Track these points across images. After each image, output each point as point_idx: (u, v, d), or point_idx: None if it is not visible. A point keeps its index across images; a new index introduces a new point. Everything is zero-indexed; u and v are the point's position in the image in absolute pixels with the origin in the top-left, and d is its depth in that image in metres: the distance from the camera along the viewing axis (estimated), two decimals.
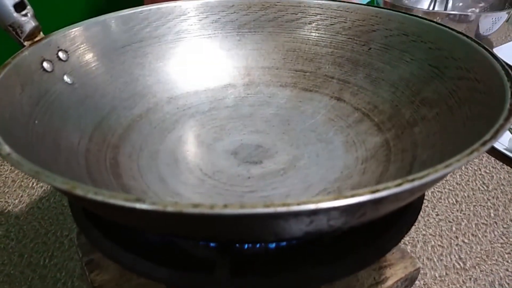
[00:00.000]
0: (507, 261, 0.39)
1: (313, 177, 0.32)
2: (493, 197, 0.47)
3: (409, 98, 0.35)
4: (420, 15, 0.37)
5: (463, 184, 0.49)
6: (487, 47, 0.30)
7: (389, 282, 0.32)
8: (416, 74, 0.36)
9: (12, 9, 0.31)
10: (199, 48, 0.43)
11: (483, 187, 0.49)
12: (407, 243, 0.42)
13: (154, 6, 0.41)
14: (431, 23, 0.35)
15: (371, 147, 0.34)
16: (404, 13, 0.38)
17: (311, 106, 0.40)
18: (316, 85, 0.42)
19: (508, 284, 0.38)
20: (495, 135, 0.20)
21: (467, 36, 0.32)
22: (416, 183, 0.18)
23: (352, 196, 0.17)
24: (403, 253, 0.35)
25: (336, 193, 0.30)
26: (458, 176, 0.50)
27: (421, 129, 0.32)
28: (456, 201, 0.47)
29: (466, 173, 0.50)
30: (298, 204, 0.16)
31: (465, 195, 0.47)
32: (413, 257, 0.35)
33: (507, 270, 0.39)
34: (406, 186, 0.17)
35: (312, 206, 0.16)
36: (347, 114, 0.38)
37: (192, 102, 0.40)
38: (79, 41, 0.36)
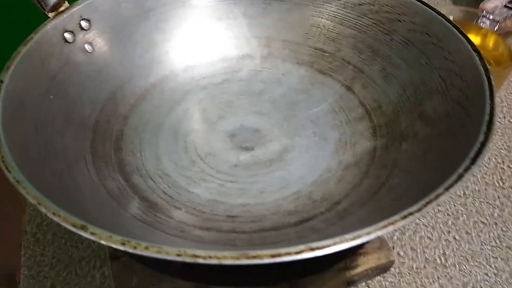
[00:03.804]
0: (490, 266, 0.39)
1: (294, 175, 0.34)
2: (504, 196, 0.44)
3: (412, 106, 0.34)
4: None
5: (479, 177, 0.46)
6: (492, 82, 0.28)
7: (359, 269, 0.34)
8: (425, 81, 0.34)
9: None
10: (223, 14, 0.43)
11: (498, 183, 0.46)
12: (396, 230, 0.42)
13: None
14: (455, 30, 0.33)
15: (359, 152, 0.34)
16: (433, 9, 0.35)
17: (321, 92, 0.40)
18: (332, 68, 0.41)
19: None
20: (421, 209, 0.21)
21: (482, 60, 0.30)
22: (317, 252, 0.20)
23: (254, 257, 0.19)
24: (382, 243, 0.36)
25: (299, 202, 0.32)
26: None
27: (407, 147, 0.32)
28: (464, 193, 0.44)
29: (488, 165, 0.47)
30: (204, 257, 0.19)
31: (476, 188, 0.45)
32: (390, 249, 0.36)
33: (486, 274, 0.38)
34: (307, 254, 0.20)
35: (215, 261, 0.19)
36: (351, 108, 0.38)
37: (207, 72, 0.42)
38: (103, 9, 0.38)
